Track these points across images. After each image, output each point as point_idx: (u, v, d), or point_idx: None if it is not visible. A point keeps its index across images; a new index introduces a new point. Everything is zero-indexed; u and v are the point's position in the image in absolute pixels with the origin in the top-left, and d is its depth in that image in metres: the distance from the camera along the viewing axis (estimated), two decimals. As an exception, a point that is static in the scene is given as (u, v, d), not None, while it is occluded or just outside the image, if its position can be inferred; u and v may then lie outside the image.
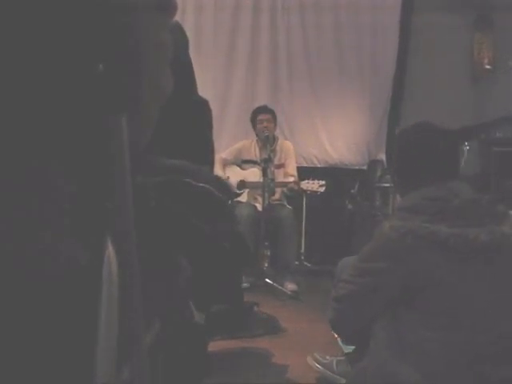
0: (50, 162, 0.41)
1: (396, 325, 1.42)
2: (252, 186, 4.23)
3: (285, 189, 4.14)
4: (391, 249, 1.41)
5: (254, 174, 4.27)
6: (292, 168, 4.27)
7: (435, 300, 1.36)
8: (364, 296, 1.50)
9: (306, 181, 4.15)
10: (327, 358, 2.25)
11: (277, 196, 4.23)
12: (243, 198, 4.26)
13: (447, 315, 1.35)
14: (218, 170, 4.23)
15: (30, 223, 0.38)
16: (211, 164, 1.73)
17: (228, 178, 4.33)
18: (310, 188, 4.11)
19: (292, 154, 4.35)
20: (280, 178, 4.20)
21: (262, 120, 4.26)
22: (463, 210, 1.39)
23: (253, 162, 4.33)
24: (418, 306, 1.39)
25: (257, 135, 4.35)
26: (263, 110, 4.34)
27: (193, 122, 1.54)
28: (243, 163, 4.40)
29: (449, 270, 1.36)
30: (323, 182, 4.11)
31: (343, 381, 2.09)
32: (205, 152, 1.62)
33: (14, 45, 0.40)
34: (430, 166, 1.52)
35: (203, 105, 1.67)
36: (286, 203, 4.28)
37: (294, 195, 4.18)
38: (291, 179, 4.14)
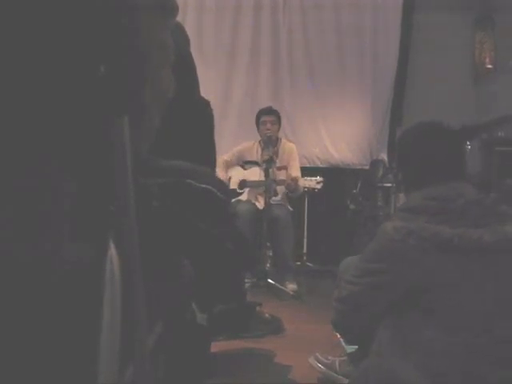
0: (52, 164, 0.41)
1: (399, 325, 1.42)
2: (253, 185, 4.22)
3: (284, 187, 4.12)
4: (394, 249, 1.40)
5: (254, 173, 4.26)
6: (296, 170, 4.23)
7: (438, 300, 1.36)
8: (367, 297, 1.50)
9: (304, 178, 4.14)
10: (329, 358, 2.25)
11: (279, 197, 4.22)
12: (244, 197, 4.25)
13: (450, 315, 1.35)
14: (220, 172, 4.23)
15: (32, 224, 0.38)
16: (213, 165, 1.73)
17: (230, 178, 4.33)
18: (307, 185, 4.10)
19: (295, 155, 4.32)
20: (283, 180, 4.19)
21: (266, 121, 4.25)
22: (466, 210, 1.38)
23: (254, 163, 4.33)
24: (421, 306, 1.39)
25: (260, 136, 4.35)
26: (268, 111, 4.33)
27: (195, 124, 1.54)
28: (245, 164, 4.39)
29: (452, 271, 1.35)
30: (321, 179, 4.09)
31: (346, 381, 2.09)
32: (207, 153, 1.62)
33: (16, 46, 0.40)
34: (433, 165, 1.51)
35: (205, 106, 1.67)
36: (287, 204, 4.27)
37: (293, 194, 4.16)
38: (293, 180, 4.12)
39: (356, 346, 2.05)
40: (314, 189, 4.10)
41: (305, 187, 4.12)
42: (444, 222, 1.36)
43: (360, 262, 1.55)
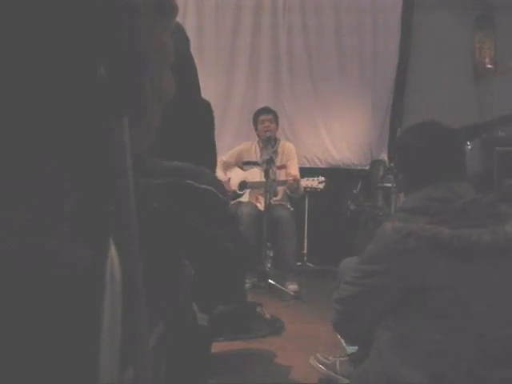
0: (52, 164, 0.41)
1: (399, 326, 1.42)
2: (253, 186, 4.23)
3: (286, 187, 4.12)
4: (393, 250, 1.40)
5: (254, 174, 4.27)
6: (294, 169, 4.25)
7: (438, 301, 1.36)
8: (367, 298, 1.50)
9: (306, 178, 4.15)
10: (330, 358, 2.25)
11: (279, 197, 4.22)
12: (244, 199, 4.25)
13: (450, 316, 1.35)
14: (219, 173, 4.23)
15: (32, 224, 0.38)
16: (213, 166, 1.73)
17: (229, 179, 4.33)
18: (309, 185, 4.10)
19: (294, 155, 4.34)
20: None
21: (264, 120, 4.27)
22: (465, 211, 1.38)
23: (254, 164, 4.33)
24: (421, 307, 1.39)
25: (258, 136, 4.35)
26: (265, 110, 4.35)
27: (195, 124, 1.54)
28: (244, 165, 4.39)
29: (452, 272, 1.35)
30: (323, 179, 4.10)
31: (346, 381, 2.09)
32: (207, 154, 1.62)
33: (16, 47, 0.40)
34: (433, 166, 1.51)
35: (205, 106, 1.67)
36: (288, 204, 4.27)
37: (295, 194, 4.16)
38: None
39: (357, 347, 2.05)
40: (316, 189, 4.11)
41: (307, 187, 4.12)
42: (443, 223, 1.36)
43: (360, 263, 1.54)
